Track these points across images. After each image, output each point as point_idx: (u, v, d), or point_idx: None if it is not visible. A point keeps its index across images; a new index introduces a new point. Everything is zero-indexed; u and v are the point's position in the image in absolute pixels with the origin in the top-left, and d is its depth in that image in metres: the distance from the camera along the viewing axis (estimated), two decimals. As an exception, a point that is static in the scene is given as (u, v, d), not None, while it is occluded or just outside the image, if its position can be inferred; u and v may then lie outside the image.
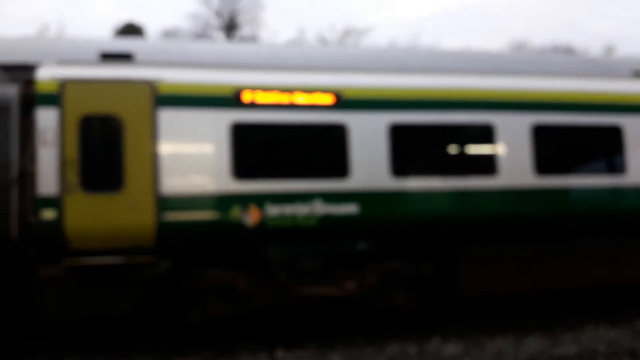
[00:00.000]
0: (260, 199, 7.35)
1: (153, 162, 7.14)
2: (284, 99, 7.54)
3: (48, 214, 6.81)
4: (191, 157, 7.33)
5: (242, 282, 7.62)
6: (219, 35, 35.75)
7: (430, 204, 8.01)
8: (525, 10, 55.89)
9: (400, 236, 8.01)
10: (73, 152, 6.98)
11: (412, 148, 8.21)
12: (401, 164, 7.93)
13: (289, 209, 7.40)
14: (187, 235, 7.22)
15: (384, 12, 53.31)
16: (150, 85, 7.27)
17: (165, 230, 7.08)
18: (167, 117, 7.25)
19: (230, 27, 36.10)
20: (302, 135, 7.70)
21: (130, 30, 25.89)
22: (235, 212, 7.25)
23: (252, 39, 35.09)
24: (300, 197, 7.45)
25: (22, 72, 7.70)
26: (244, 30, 36.44)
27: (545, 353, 7.33)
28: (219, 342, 7.85)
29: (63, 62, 7.32)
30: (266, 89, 7.53)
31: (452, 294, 8.43)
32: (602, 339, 7.91)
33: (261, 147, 7.71)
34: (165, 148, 7.23)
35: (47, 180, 6.86)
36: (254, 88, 7.49)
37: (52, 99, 7.02)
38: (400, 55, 10.17)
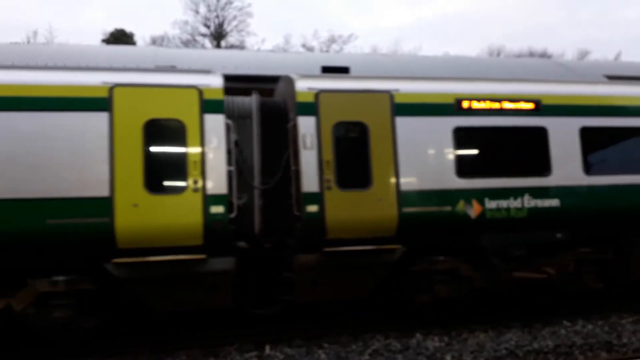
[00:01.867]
0: (480, 194, 8.26)
1: (394, 162, 8.02)
2: (494, 105, 8.49)
3: (311, 208, 7.65)
4: (423, 158, 8.18)
5: (464, 267, 8.40)
6: (207, 43, 35.92)
7: (615, 198, 8.79)
8: (502, 18, 56.89)
9: (591, 226, 8.74)
10: (329, 154, 7.83)
11: (599, 148, 8.99)
12: (591, 162, 8.79)
13: (503, 203, 8.25)
14: (420, 226, 8.04)
15: (365, 20, 53.87)
16: (389, 95, 8.15)
17: (404, 221, 7.94)
18: (403, 123, 8.15)
19: (218, 35, 36.29)
20: (510, 137, 8.59)
21: (120, 37, 25.96)
22: (461, 206, 8.17)
23: (240, 47, 35.30)
24: (513, 193, 8.35)
25: (259, 83, 9.05)
26: (231, 38, 36.68)
27: (525, 347, 7.57)
28: (208, 340, 7.98)
29: (306, 76, 8.24)
30: (479, 97, 8.50)
31: (624, 277, 9.19)
32: (579, 333, 8.19)
33: (478, 149, 8.58)
34: (402, 150, 8.10)
35: (310, 179, 7.69)
36: (470, 97, 8.45)
37: (310, 107, 7.88)
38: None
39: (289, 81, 8.27)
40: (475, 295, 8.70)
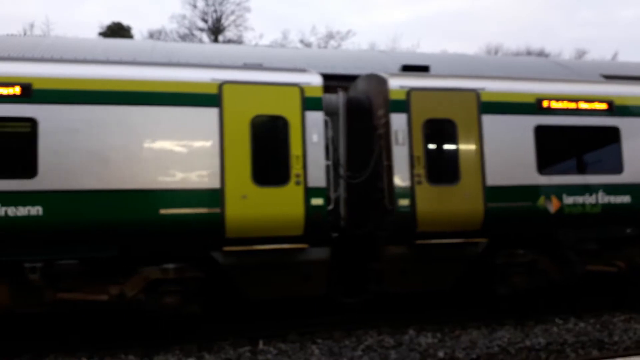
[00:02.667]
0: (559, 190, 8.55)
1: (480, 159, 8.31)
2: (571, 105, 8.79)
3: (403, 202, 7.95)
4: (507, 155, 8.44)
5: (542, 260, 8.71)
6: (204, 38, 35.82)
7: None
8: (500, 16, 56.88)
9: None
10: (419, 150, 8.11)
11: None
12: None
13: (579, 199, 8.60)
14: (503, 220, 8.31)
15: (363, 16, 53.80)
16: (475, 94, 8.43)
17: (489, 216, 8.22)
18: (488, 121, 8.43)
19: (216, 30, 36.19)
20: (585, 136, 8.85)
21: (118, 30, 25.87)
22: (541, 201, 8.44)
23: (237, 41, 35.22)
24: (588, 189, 8.68)
25: (343, 81, 9.33)
26: (229, 32, 36.58)
27: (517, 344, 7.63)
28: (202, 336, 8.00)
29: (397, 74, 8.50)
30: (557, 97, 8.79)
31: None
32: (571, 331, 8.25)
33: (556, 147, 8.80)
34: (488, 147, 8.36)
35: (401, 174, 8.00)
36: (549, 97, 8.76)
37: (401, 105, 8.15)
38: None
39: (379, 79, 8.53)
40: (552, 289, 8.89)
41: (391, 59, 12.31)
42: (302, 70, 8.33)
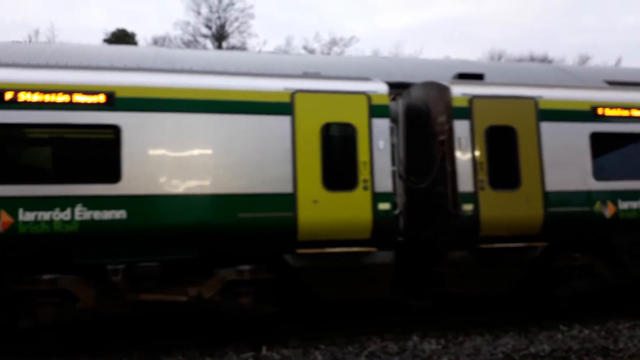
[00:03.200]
0: (614, 196, 8.79)
1: (539, 165, 8.58)
2: (624, 113, 9.08)
3: (467, 207, 8.18)
4: (565, 161, 8.71)
5: (599, 264, 8.97)
6: (208, 44, 35.98)
7: None
8: (503, 22, 56.96)
9: None
10: (482, 156, 8.39)
11: None
12: None
13: (634, 204, 8.85)
14: (561, 225, 8.57)
15: (366, 23, 53.96)
16: (534, 101, 8.70)
17: (548, 220, 8.47)
18: (546, 128, 8.70)
19: (220, 36, 36.36)
20: (637, 142, 9.12)
21: (122, 37, 26.01)
22: (597, 206, 8.72)
23: (241, 48, 35.35)
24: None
25: (400, 89, 9.71)
26: (233, 39, 36.74)
27: (521, 351, 7.56)
28: (205, 342, 8.00)
29: (458, 82, 8.79)
30: (611, 105, 9.07)
31: None
32: (576, 337, 8.18)
33: (611, 153, 9.09)
34: (547, 154, 8.65)
35: (465, 180, 8.24)
36: (603, 105, 9.03)
37: (464, 112, 8.43)
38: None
39: (439, 87, 8.79)
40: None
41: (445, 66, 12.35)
42: (367, 79, 8.59)
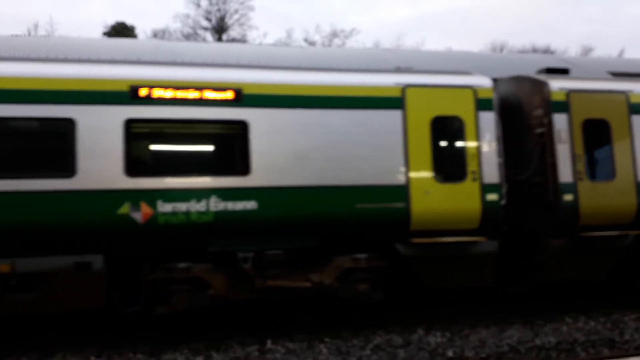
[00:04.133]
0: None
1: (631, 156, 8.91)
2: None
3: (567, 197, 8.47)
4: None
5: None
6: (208, 37, 35.81)
7: None
8: (505, 13, 56.69)
9: None
10: (580, 148, 8.65)
11: None
12: None
13: None
14: None
15: (367, 14, 53.70)
16: (625, 95, 9.04)
17: None
18: (637, 121, 9.00)
19: (220, 29, 36.18)
20: None
21: (122, 30, 25.89)
22: None
23: (241, 40, 35.20)
24: None
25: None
26: (233, 31, 36.56)
27: (527, 343, 7.57)
28: (210, 335, 7.99)
29: (555, 77, 8.99)
30: None
31: None
32: (581, 329, 8.19)
33: None
34: (637, 145, 8.93)
35: (565, 171, 8.54)
36: None
37: (562, 106, 8.69)
38: None
39: (534, 81, 9.05)
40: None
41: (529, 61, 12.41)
42: (469, 73, 8.88)
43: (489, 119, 8.43)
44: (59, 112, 7.09)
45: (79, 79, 7.23)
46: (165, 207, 7.22)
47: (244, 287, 7.78)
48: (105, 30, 31.17)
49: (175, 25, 44.01)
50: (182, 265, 7.55)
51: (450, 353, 7.20)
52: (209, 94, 7.55)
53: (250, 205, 7.46)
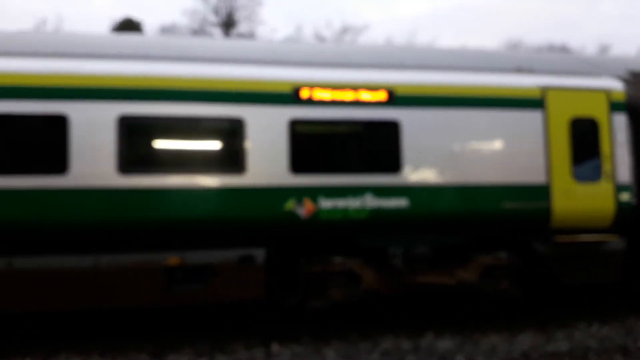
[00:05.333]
0: None
1: None
2: None
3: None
4: None
5: None
6: (217, 32, 35.71)
7: None
8: (520, 10, 56.02)
9: None
10: None
11: None
12: None
13: None
14: None
15: (380, 10, 53.28)
16: None
17: None
18: None
19: (228, 24, 36.07)
20: None
21: (129, 26, 25.81)
22: None
23: (250, 36, 35.06)
24: None
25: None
26: (242, 27, 36.43)
27: (539, 349, 7.39)
28: (214, 337, 7.88)
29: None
30: None
31: None
32: (594, 336, 8.00)
33: None
34: None
35: (624, 171, 8.71)
36: None
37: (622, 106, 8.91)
38: None
39: None
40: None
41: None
42: (599, 74, 9.10)
43: (621, 121, 8.71)
44: (231, 112, 7.52)
45: (247, 81, 7.68)
46: (326, 204, 7.59)
47: (393, 282, 8.15)
48: (113, 25, 31.13)
49: (183, 21, 43.92)
50: (338, 259, 7.92)
51: (460, 358, 7.04)
52: (364, 96, 7.94)
53: (401, 202, 7.81)
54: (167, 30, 34.11)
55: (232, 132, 7.54)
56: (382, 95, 7.97)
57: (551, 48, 33.15)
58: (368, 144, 8.03)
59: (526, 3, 56.34)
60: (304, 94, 7.75)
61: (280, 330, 8.14)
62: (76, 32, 10.59)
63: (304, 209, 7.54)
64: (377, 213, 7.75)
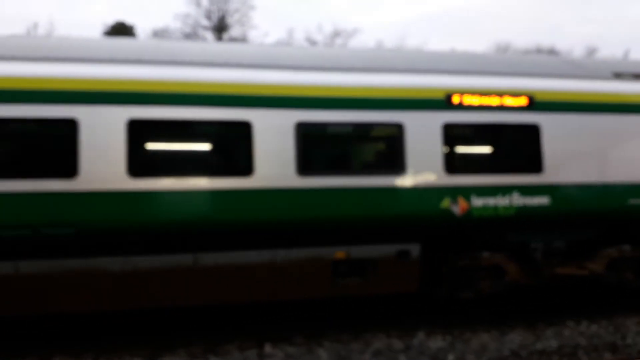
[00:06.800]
0: None
1: None
2: None
3: None
4: None
5: None
6: (209, 36, 35.74)
7: None
8: (508, 13, 56.48)
9: None
10: None
11: None
12: None
13: None
14: None
15: (370, 14, 53.51)
16: None
17: None
18: None
19: (220, 28, 36.12)
20: None
21: (121, 30, 25.82)
22: None
23: (242, 40, 35.10)
24: None
25: None
26: (234, 31, 36.49)
27: (528, 347, 7.49)
28: (207, 338, 7.91)
29: None
30: None
31: None
32: (583, 333, 8.10)
33: None
34: None
35: None
36: None
37: None
38: None
39: None
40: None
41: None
42: None
43: None
44: (391, 118, 8.04)
45: (406, 89, 8.23)
46: (478, 202, 8.09)
47: (534, 274, 8.74)
48: (105, 29, 31.12)
49: (175, 25, 43.87)
50: (486, 254, 8.46)
51: (451, 357, 7.12)
52: (508, 101, 8.48)
53: (543, 200, 8.33)
54: (159, 34, 34.13)
55: (392, 135, 8.05)
56: (523, 101, 8.53)
57: (539, 51, 33.43)
58: (513, 145, 8.62)
59: (514, 6, 56.82)
60: (455, 99, 8.26)
61: (273, 331, 8.19)
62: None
63: (459, 207, 8.06)
64: (523, 210, 8.29)
